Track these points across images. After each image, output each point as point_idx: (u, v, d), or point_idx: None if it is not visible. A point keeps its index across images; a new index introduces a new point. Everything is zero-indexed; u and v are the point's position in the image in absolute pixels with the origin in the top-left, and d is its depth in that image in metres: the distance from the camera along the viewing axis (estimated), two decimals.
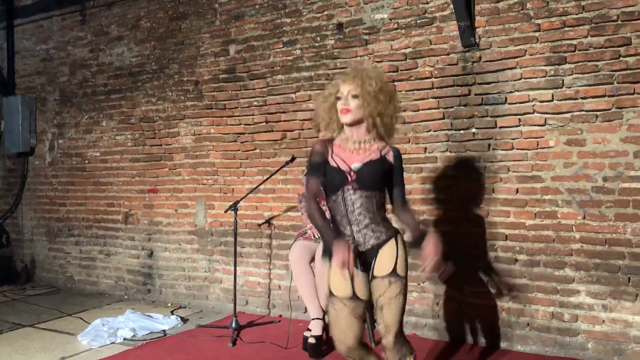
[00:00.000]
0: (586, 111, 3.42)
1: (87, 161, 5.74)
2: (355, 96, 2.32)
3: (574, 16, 3.42)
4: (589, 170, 3.41)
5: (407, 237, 2.48)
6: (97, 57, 5.66)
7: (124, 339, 3.96)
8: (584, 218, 3.43)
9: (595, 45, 3.38)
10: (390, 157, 2.41)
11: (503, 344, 3.64)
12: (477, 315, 3.74)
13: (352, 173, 2.33)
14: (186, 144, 5.07)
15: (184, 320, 4.46)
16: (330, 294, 2.35)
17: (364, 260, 2.35)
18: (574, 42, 3.43)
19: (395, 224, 2.53)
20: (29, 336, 4.12)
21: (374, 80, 2.32)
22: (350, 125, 2.36)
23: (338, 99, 2.37)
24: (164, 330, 4.18)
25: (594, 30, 3.38)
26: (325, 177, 2.39)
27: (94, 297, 5.39)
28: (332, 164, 2.37)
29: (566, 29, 3.45)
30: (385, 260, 2.34)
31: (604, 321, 3.37)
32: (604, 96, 3.36)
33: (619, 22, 3.31)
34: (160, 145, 5.22)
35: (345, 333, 2.31)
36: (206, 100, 4.95)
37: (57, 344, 3.91)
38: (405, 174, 3.95)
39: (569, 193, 3.47)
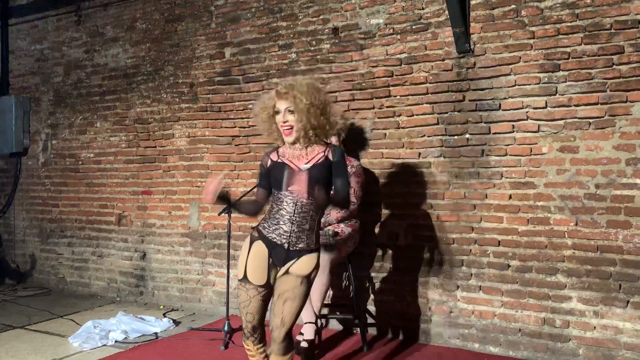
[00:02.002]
0: (579, 118, 3.44)
1: (80, 162, 5.72)
2: (291, 112, 2.47)
3: (568, 24, 3.45)
4: (581, 177, 3.43)
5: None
6: (92, 58, 5.65)
7: (116, 341, 3.94)
8: (576, 224, 3.45)
9: (588, 53, 3.40)
10: (331, 156, 2.54)
11: (494, 349, 3.65)
12: (469, 319, 3.75)
13: (304, 172, 2.47)
14: (180, 146, 5.06)
15: (176, 322, 4.45)
16: (245, 278, 2.52)
17: (283, 257, 2.51)
18: (568, 49, 3.45)
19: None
20: (20, 338, 4.09)
21: (304, 96, 2.46)
22: (295, 143, 2.52)
23: (277, 112, 2.51)
24: (156, 333, 4.16)
25: (588, 38, 3.40)
26: (271, 175, 2.55)
27: (86, 299, 5.37)
28: (280, 161, 2.55)
29: (560, 36, 3.48)
30: (306, 264, 2.50)
31: (595, 327, 3.39)
32: (597, 104, 3.39)
33: (612, 30, 3.34)
34: (155, 147, 5.21)
35: (253, 315, 2.54)
36: (201, 103, 4.94)
37: (48, 346, 3.89)
38: (399, 178, 4.01)
39: (562, 199, 3.49)
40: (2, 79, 6.22)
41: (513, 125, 3.63)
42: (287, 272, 2.50)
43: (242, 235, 4.66)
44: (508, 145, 3.65)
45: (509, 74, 3.64)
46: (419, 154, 3.96)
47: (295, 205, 2.48)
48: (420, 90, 3.93)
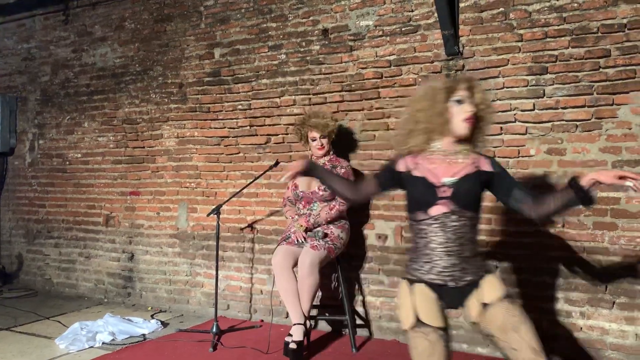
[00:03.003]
0: (566, 121, 3.47)
1: (67, 162, 5.68)
2: (475, 104, 2.11)
3: (556, 27, 3.48)
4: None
5: (566, 202, 2.03)
6: (80, 58, 5.61)
7: (103, 343, 3.91)
8: (563, 226, 3.48)
9: (575, 57, 3.43)
10: (487, 167, 2.13)
11: (482, 350, 3.67)
12: (457, 321, 3.77)
13: (443, 188, 2.05)
14: (169, 147, 5.04)
15: (165, 324, 4.43)
16: (417, 320, 2.02)
17: (458, 296, 2.08)
18: (555, 52, 3.49)
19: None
20: (6, 339, 4.05)
21: (486, 94, 2.22)
22: (464, 137, 2.12)
23: (458, 102, 2.10)
24: (143, 335, 4.13)
25: (575, 41, 3.44)
26: (407, 191, 2.16)
27: (73, 300, 5.32)
28: (416, 174, 2.11)
29: (548, 39, 3.51)
30: (492, 287, 2.05)
31: (581, 328, 3.42)
32: (583, 106, 3.42)
33: (599, 34, 3.37)
34: (143, 147, 5.18)
35: None
36: (190, 103, 4.92)
37: (35, 348, 3.85)
38: None
39: None
40: None
41: (501, 127, 3.66)
42: (484, 304, 2.03)
43: (231, 236, 4.65)
44: (496, 147, 3.68)
45: (497, 77, 3.66)
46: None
47: (445, 231, 2.04)
48: (410, 92, 3.94)
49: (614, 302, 3.33)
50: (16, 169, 6.07)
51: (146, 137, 5.17)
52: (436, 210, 2.02)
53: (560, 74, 3.47)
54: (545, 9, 3.52)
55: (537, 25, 3.54)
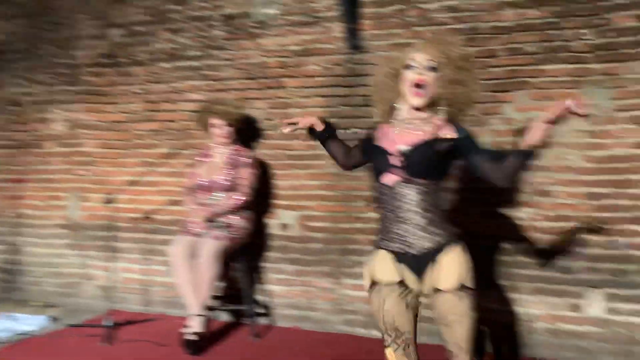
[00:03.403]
0: None
1: None
2: (433, 68, 2.01)
3: (450, 26, 3.67)
4: (457, 172, 3.67)
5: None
6: None
7: None
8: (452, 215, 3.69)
9: None
10: (450, 133, 2.03)
11: (378, 333, 3.82)
12: (354, 306, 3.89)
13: (398, 157, 2.01)
14: (59, 132, 4.72)
15: (54, 319, 4.17)
16: (373, 282, 2.06)
17: (418, 264, 2.03)
18: None
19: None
20: None
21: (457, 48, 2.04)
22: (421, 107, 2.03)
23: (407, 68, 2.03)
24: (30, 331, 3.87)
25: (468, 41, 3.63)
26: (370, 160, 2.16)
27: None
28: (377, 142, 2.10)
29: None
30: (452, 270, 1.99)
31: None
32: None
33: (488, 35, 3.60)
34: (28, 131, 4.81)
35: (391, 314, 2.00)
36: (82, 86, 4.64)
37: None
38: (292, 170, 4.05)
39: None
40: None
41: None
42: (437, 289, 2.01)
43: (126, 226, 4.46)
44: None
45: None
46: (312, 145, 4.01)
47: (397, 199, 2.01)
48: (313, 83, 3.99)
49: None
50: None
51: (32, 121, 4.80)
52: (389, 178, 2.01)
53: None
54: (442, 8, 3.69)
55: (433, 23, 3.71)
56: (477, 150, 2.01)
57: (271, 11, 4.09)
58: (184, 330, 3.47)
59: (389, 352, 2.06)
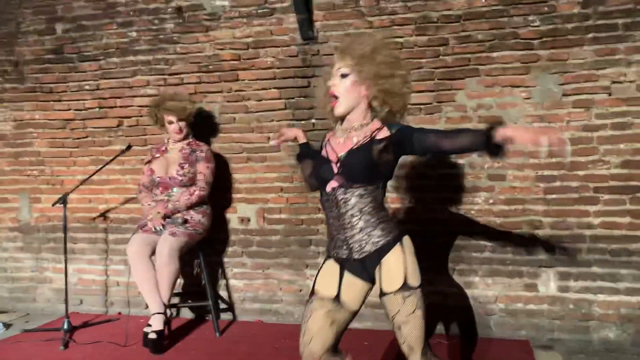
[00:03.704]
0: (411, 105, 3.71)
1: None
2: (344, 75, 2.02)
3: (401, 16, 3.70)
4: (412, 159, 3.72)
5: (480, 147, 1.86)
6: None
7: None
8: (409, 202, 3.75)
9: (419, 44, 3.69)
10: (384, 133, 2.00)
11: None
12: None
13: (337, 164, 2.02)
14: (5, 131, 4.54)
15: (7, 325, 4.02)
16: (311, 292, 2.09)
17: (363, 268, 2.03)
18: (402, 40, 3.71)
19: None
20: None
21: (370, 45, 2.00)
22: (344, 116, 2.06)
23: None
24: None
25: (418, 30, 3.69)
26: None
27: None
28: (322, 152, 2.12)
29: (395, 27, 3.72)
30: (393, 272, 1.96)
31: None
32: (425, 91, 3.69)
33: (439, 24, 3.65)
34: None
35: (310, 335, 2.01)
36: (29, 83, 4.47)
37: None
38: (250, 163, 4.02)
39: (396, 180, 3.75)
40: None
41: None
42: (383, 292, 1.98)
43: (81, 227, 4.34)
44: None
45: None
46: (269, 138, 4.00)
47: (337, 206, 2.02)
48: (268, 75, 3.97)
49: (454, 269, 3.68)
50: None
51: None
52: (330, 186, 2.02)
53: (406, 60, 3.70)
54: None
55: (384, 13, 3.74)
56: (419, 132, 1.98)
57: (223, 3, 4.04)
58: (145, 329, 3.41)
59: None
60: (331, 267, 2.07)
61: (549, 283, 3.52)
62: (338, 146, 2.05)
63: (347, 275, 2.04)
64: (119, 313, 4.25)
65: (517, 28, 3.54)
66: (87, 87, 4.34)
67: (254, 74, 4.00)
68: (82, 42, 4.34)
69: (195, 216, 3.65)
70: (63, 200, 3.65)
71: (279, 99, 3.96)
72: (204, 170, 3.71)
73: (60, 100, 4.41)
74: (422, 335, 1.95)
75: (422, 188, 3.72)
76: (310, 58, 3.87)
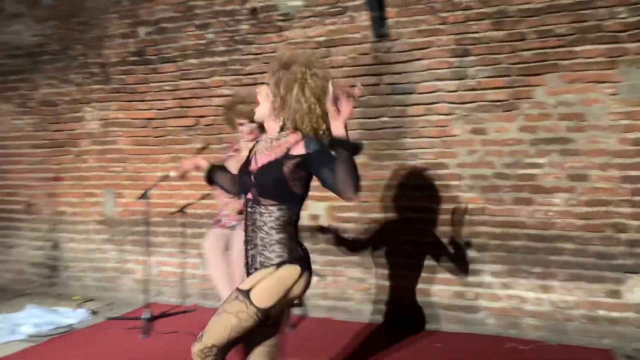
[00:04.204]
0: (488, 102, 3.62)
1: None
2: (262, 83, 2.03)
3: (477, 11, 3.61)
4: (490, 158, 3.63)
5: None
6: None
7: (28, 335, 3.74)
8: (485, 202, 3.65)
9: (495, 39, 3.58)
10: (300, 149, 1.92)
11: (428, 326, 3.82)
12: (389, 297, 3.89)
13: (253, 176, 1.99)
14: (92, 130, 4.84)
15: (94, 313, 4.29)
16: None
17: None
18: (477, 35, 3.61)
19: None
20: None
21: (286, 56, 1.96)
22: (260, 121, 2.06)
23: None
24: (71, 325, 3.99)
25: (495, 25, 3.57)
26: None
27: None
28: (250, 156, 2.09)
29: (470, 23, 3.63)
30: (250, 278, 1.96)
31: (502, 298, 3.62)
32: (503, 88, 3.58)
33: (517, 18, 3.52)
34: (63, 130, 4.94)
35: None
36: (114, 84, 4.73)
37: None
38: None
39: (472, 179, 3.67)
40: None
41: (427, 108, 3.77)
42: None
43: (161, 221, 4.55)
44: (422, 127, 3.79)
45: (422, 59, 3.76)
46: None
47: (247, 217, 2.03)
48: (340, 73, 3.98)
49: (531, 272, 3.55)
50: None
51: (67, 120, 4.93)
52: (247, 197, 2.01)
53: (482, 56, 3.61)
54: None
55: (459, 8, 3.65)
56: (325, 164, 1.86)
57: (296, 3, 4.09)
58: None
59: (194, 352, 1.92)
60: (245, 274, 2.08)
61: (635, 290, 3.32)
62: (261, 156, 2.00)
63: None
64: (195, 304, 4.42)
65: (602, 20, 3.35)
66: (167, 88, 4.54)
67: None
68: (162, 44, 4.54)
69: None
70: (145, 196, 3.84)
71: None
72: None
73: (142, 100, 4.64)
74: (217, 336, 1.86)
75: (498, 188, 3.61)
76: (382, 56, 3.85)
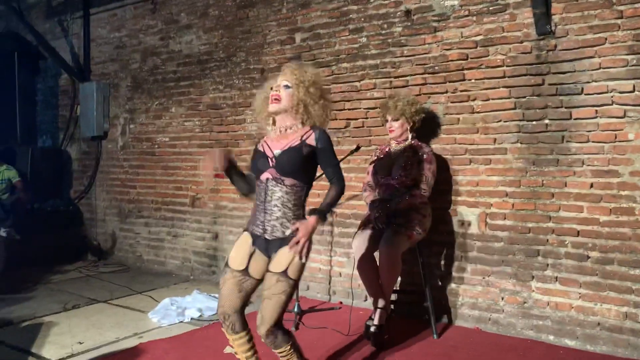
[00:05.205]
0: None
1: (156, 146, 5.96)
2: (287, 86, 2.48)
3: None
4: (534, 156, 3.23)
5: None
6: (167, 45, 5.84)
7: (192, 318, 4.11)
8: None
9: None
10: (312, 140, 2.45)
11: (570, 342, 3.54)
12: (543, 311, 3.64)
13: (272, 159, 2.45)
14: (251, 131, 5.16)
15: (250, 302, 4.57)
16: (226, 263, 2.54)
17: (268, 247, 2.46)
18: None
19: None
20: (104, 312, 4.35)
21: (310, 74, 2.50)
22: (276, 114, 2.51)
23: (272, 89, 2.53)
24: None
25: None
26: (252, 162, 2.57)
27: (162, 277, 5.62)
28: (259, 148, 2.56)
29: None
30: (282, 259, 2.40)
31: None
32: None
33: None
34: (227, 131, 5.34)
35: (224, 299, 2.48)
36: None
37: (130, 321, 4.11)
38: (473, 165, 3.92)
39: None
40: (84, 65, 6.54)
41: (596, 111, 3.46)
42: (268, 270, 2.43)
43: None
44: (590, 131, 3.48)
45: (593, 57, 3.45)
46: (495, 139, 3.85)
47: (266, 193, 2.44)
48: (497, 73, 3.81)
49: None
50: (109, 152, 6.45)
51: (230, 122, 5.32)
52: (264, 176, 2.46)
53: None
54: None
55: (639, 0, 3.30)
56: (327, 164, 2.49)
57: (452, 2, 3.99)
58: (367, 322, 3.56)
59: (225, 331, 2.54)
60: (245, 240, 2.53)
61: None
62: (273, 143, 2.50)
63: (256, 252, 2.48)
64: (340, 302, 4.52)
65: None
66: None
67: (482, 72, 3.88)
68: (317, 49, 4.71)
69: (416, 216, 3.68)
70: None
71: (508, 98, 3.78)
72: (426, 172, 3.71)
73: None
74: (276, 316, 2.39)
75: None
76: (546, 54, 3.61)
